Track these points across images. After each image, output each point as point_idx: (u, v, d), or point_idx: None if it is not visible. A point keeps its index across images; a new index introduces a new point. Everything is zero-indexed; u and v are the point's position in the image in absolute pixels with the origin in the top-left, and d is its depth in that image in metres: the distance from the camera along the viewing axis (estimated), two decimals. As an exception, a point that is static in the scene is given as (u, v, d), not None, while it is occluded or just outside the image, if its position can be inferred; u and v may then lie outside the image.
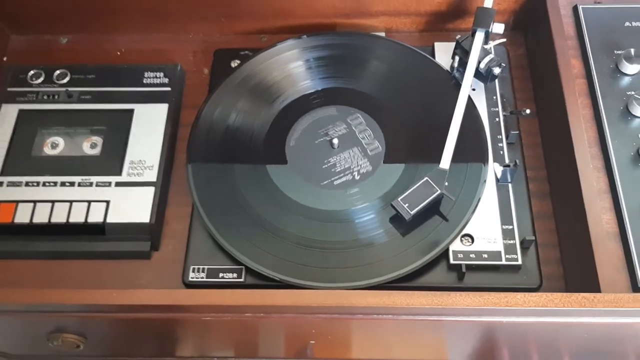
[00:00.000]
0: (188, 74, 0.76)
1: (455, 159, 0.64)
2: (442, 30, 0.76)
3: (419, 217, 0.61)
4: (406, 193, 0.61)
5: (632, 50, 0.66)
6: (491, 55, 0.67)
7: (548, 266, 0.62)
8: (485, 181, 0.63)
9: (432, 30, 0.76)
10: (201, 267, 0.61)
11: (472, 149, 0.65)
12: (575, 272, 0.60)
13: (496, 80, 0.70)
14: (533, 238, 0.61)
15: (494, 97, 0.69)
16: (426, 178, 0.61)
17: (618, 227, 0.59)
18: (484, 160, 0.64)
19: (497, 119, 0.68)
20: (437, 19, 0.75)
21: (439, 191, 0.60)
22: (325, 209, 0.63)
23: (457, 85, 0.67)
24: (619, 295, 0.51)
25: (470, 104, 0.68)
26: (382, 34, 0.78)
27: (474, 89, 0.70)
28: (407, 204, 0.60)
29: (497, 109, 0.69)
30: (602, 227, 0.58)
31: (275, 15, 0.77)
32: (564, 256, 0.63)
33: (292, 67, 0.72)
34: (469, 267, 0.61)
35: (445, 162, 0.62)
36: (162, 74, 0.72)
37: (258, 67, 0.71)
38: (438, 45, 0.73)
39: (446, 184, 0.62)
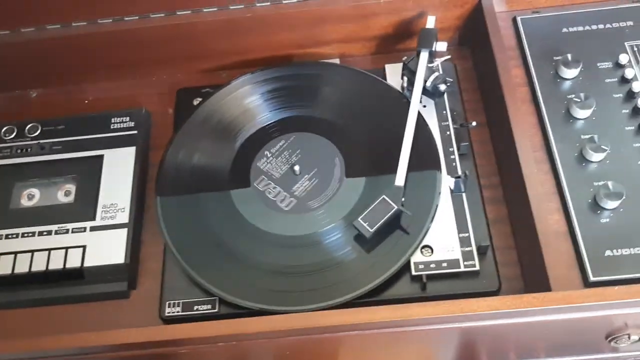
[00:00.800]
0: (154, 114, 0.80)
1: (410, 174, 0.67)
2: (392, 51, 0.80)
3: (381, 233, 0.64)
4: (365, 212, 0.64)
5: (569, 56, 0.69)
6: (437, 73, 0.71)
7: (507, 268, 0.65)
8: (439, 193, 0.66)
9: (383, 52, 0.80)
10: (176, 301, 0.64)
11: (425, 163, 0.69)
12: (531, 272, 0.63)
13: (445, 96, 0.74)
14: (488, 243, 0.64)
15: (444, 112, 0.73)
16: (383, 196, 0.65)
17: (567, 226, 0.62)
18: (437, 173, 0.68)
19: (448, 133, 0.71)
20: (387, 42, 0.79)
21: (395, 207, 0.64)
22: (292, 235, 0.66)
23: (409, 104, 0.70)
24: (567, 293, 0.54)
25: (421, 120, 0.71)
26: (337, 61, 0.82)
27: (424, 106, 0.73)
28: (367, 223, 0.63)
29: (447, 123, 0.72)
30: (550, 228, 0.61)
31: (234, 52, 0.81)
32: (521, 257, 0.66)
33: (248, 101, 0.75)
34: (431, 277, 0.64)
35: (400, 179, 0.65)
36: (128, 118, 0.76)
37: (218, 105, 0.75)
38: (389, 67, 0.76)
39: (403, 199, 0.65)
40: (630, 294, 0.53)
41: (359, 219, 0.64)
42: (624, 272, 0.58)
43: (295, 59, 0.82)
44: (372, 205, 0.64)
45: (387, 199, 0.64)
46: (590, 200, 0.62)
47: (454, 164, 0.69)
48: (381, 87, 0.74)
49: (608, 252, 0.59)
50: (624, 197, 0.61)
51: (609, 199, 0.61)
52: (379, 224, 0.63)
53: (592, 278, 0.58)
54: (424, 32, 0.72)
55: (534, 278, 0.62)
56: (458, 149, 0.70)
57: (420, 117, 0.71)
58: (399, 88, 0.73)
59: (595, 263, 0.59)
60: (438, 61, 0.73)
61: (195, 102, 0.76)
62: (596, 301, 0.53)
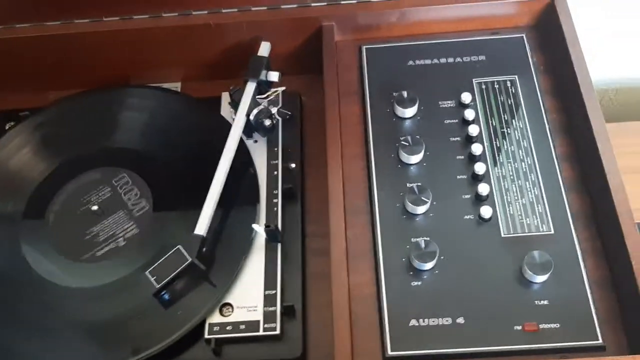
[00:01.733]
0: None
1: (221, 219, 0.61)
2: (236, 77, 0.71)
3: (179, 287, 0.58)
4: (157, 264, 0.57)
5: (405, 93, 0.62)
6: (261, 107, 0.64)
7: (316, 332, 0.58)
8: (251, 244, 0.60)
9: (226, 78, 0.71)
10: None
11: (240, 208, 0.62)
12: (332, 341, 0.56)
13: (279, 131, 0.67)
14: (291, 304, 0.57)
15: (275, 149, 0.66)
16: (178, 246, 0.58)
17: (376, 288, 0.55)
18: (252, 221, 0.60)
19: (275, 173, 0.64)
20: (229, 67, 0.71)
21: (189, 260, 0.57)
22: (81, 287, 0.59)
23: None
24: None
25: (245, 158, 0.64)
26: (178, 85, 0.75)
27: (255, 141, 0.66)
28: (155, 277, 0.56)
29: (277, 162, 0.65)
30: (357, 291, 0.54)
31: (67, 71, 0.73)
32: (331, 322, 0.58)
33: (39, 138, 0.68)
34: (229, 340, 0.57)
35: (201, 227, 0.58)
36: None
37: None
38: (225, 95, 0.69)
39: (204, 249, 0.58)
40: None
41: (147, 273, 0.57)
42: (426, 346, 0.51)
43: (132, 81, 0.75)
44: (166, 256, 0.57)
45: (182, 250, 0.57)
46: (404, 260, 0.55)
47: (275, 209, 0.63)
48: (205, 117, 0.67)
49: (413, 322, 0.52)
50: (437, 258, 0.54)
51: (420, 260, 0.54)
52: (168, 278, 0.56)
53: (389, 352, 0.51)
54: (253, 61, 0.65)
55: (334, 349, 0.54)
56: (282, 193, 0.63)
57: (245, 154, 0.65)
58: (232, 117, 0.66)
59: (396, 334, 0.52)
60: (271, 93, 0.66)
61: (7, 127, 0.70)
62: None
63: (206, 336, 0.56)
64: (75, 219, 0.63)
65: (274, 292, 0.58)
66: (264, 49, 0.66)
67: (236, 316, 0.57)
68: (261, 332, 0.56)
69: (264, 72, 0.64)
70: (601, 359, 0.49)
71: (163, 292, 0.56)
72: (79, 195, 0.64)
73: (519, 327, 0.51)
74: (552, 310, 0.52)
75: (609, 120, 1.02)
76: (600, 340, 0.50)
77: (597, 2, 0.82)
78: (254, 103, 0.64)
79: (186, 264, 0.56)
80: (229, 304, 0.58)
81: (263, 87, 0.66)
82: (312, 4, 0.66)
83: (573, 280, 0.53)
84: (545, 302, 0.52)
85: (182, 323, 0.56)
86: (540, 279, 0.53)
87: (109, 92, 0.71)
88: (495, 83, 0.63)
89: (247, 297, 0.58)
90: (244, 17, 0.66)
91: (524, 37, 0.66)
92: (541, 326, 0.51)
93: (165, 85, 0.75)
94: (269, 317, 0.57)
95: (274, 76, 0.65)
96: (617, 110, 1.01)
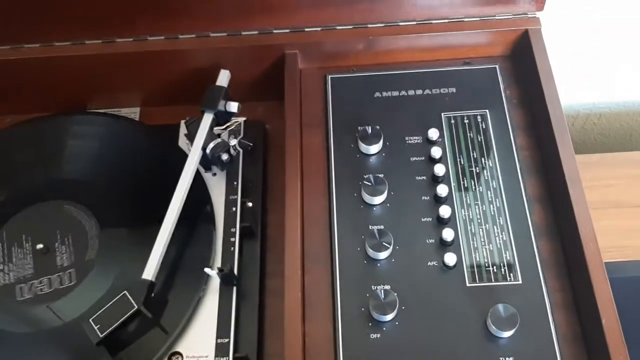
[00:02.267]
0: None
1: (173, 260, 0.57)
2: (196, 102, 0.67)
3: (125, 335, 0.54)
4: (100, 311, 0.53)
5: (369, 129, 0.59)
6: (218, 140, 0.60)
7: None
8: (204, 289, 0.56)
9: (187, 103, 0.66)
10: None
11: (194, 247, 0.58)
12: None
13: (240, 163, 0.64)
14: (244, 355, 0.53)
15: (235, 183, 0.63)
16: (124, 292, 0.54)
17: (333, 341, 0.52)
18: (206, 262, 0.57)
19: (234, 209, 0.61)
20: (190, 94, 0.68)
21: (135, 307, 0.53)
22: (17, 332, 0.55)
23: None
24: None
25: (201, 193, 0.61)
26: (137, 110, 0.71)
27: (214, 174, 0.63)
28: (98, 326, 0.53)
29: (236, 197, 0.62)
30: (313, 342, 0.51)
31: (23, 95, 0.70)
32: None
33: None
34: (178, 391, 0.54)
35: (149, 272, 0.55)
36: None
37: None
38: (184, 124, 0.66)
39: (153, 295, 0.55)
40: None
41: (90, 320, 0.53)
42: (383, 406, 0.48)
43: (89, 107, 0.72)
44: (110, 302, 0.54)
45: (128, 295, 0.54)
46: (363, 309, 0.52)
47: (232, 248, 0.60)
48: (160, 148, 0.64)
49: (370, 379, 0.50)
50: (398, 308, 0.51)
51: (379, 311, 0.50)
52: (114, 326, 0.53)
53: (343, 413, 0.49)
54: (210, 91, 0.61)
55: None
56: (241, 231, 0.60)
57: (201, 189, 0.61)
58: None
59: (352, 393, 0.49)
60: (233, 123, 0.63)
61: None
62: None
63: (153, 388, 0.53)
64: (19, 256, 0.59)
65: (227, 340, 0.54)
66: (223, 78, 0.62)
67: (185, 367, 0.54)
68: (211, 385, 0.53)
69: (222, 102, 0.61)
70: (568, 423, 0.47)
71: (106, 341, 0.53)
72: (21, 231, 0.60)
73: (483, 386, 0.49)
74: (517, 367, 0.49)
75: (593, 148, 1.01)
76: (568, 403, 0.48)
77: (581, 24, 0.80)
78: (211, 136, 0.60)
79: (132, 311, 0.53)
80: (179, 353, 0.54)
81: (222, 117, 0.62)
82: (275, 31, 0.63)
83: (541, 335, 0.50)
84: (511, 359, 0.49)
85: (129, 374, 0.53)
86: (506, 334, 0.49)
87: (58, 119, 0.67)
88: (465, 118, 0.60)
89: (198, 346, 0.54)
90: (202, 44, 0.63)
91: (497, 68, 0.63)
92: (506, 385, 0.49)
93: (124, 111, 0.71)
94: (219, 368, 0.54)
95: (233, 107, 0.61)
96: (600, 135, 0.99)
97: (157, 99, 0.70)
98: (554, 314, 0.51)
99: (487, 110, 0.61)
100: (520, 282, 0.52)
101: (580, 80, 0.86)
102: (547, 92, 0.58)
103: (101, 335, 0.52)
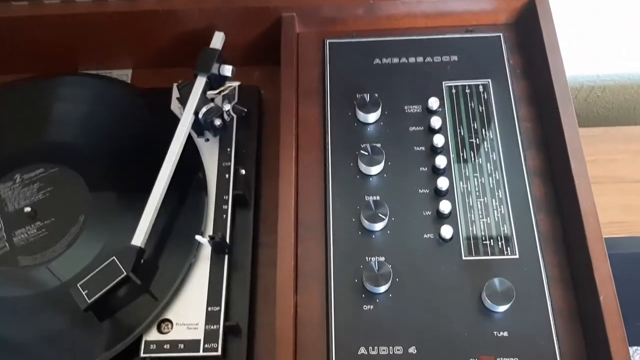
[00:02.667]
0: None
1: (164, 227, 0.56)
2: (190, 66, 0.65)
3: (114, 302, 0.53)
4: (89, 276, 0.52)
5: (367, 96, 0.57)
6: (211, 105, 0.58)
7: (266, 353, 0.54)
8: (195, 255, 0.55)
9: (179, 66, 0.64)
10: None
11: (186, 213, 0.57)
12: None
13: (234, 129, 0.62)
14: (235, 323, 0.52)
15: (228, 150, 0.61)
16: (113, 257, 0.53)
17: (325, 312, 0.51)
18: (198, 229, 0.56)
19: (227, 176, 0.60)
20: (182, 56, 0.64)
21: (124, 274, 0.52)
22: (5, 296, 0.54)
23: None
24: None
25: (193, 159, 0.60)
26: (128, 72, 0.69)
27: (207, 140, 0.61)
28: (86, 291, 0.52)
29: (229, 164, 0.60)
30: (305, 313, 0.50)
31: (13, 55, 0.68)
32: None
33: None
34: (167, 359, 0.53)
35: (139, 239, 0.53)
36: None
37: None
38: (176, 87, 0.64)
39: (142, 261, 0.54)
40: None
41: (78, 285, 0.52)
42: (374, 378, 0.48)
43: (81, 69, 0.69)
44: (99, 268, 0.52)
45: (117, 261, 0.53)
46: (356, 281, 0.51)
47: (224, 216, 0.58)
48: (151, 111, 0.62)
49: (362, 350, 0.48)
50: (392, 280, 0.50)
51: (372, 283, 0.50)
52: (102, 292, 0.51)
53: (334, 383, 0.48)
54: (203, 54, 0.59)
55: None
56: (233, 199, 0.59)
57: (194, 155, 0.60)
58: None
59: (343, 364, 0.49)
60: (227, 86, 0.61)
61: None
62: None
63: (142, 355, 0.52)
64: (6, 220, 0.58)
65: (217, 308, 0.53)
66: (217, 41, 0.60)
67: (175, 334, 0.52)
68: (201, 353, 0.52)
69: (216, 65, 0.59)
70: (560, 398, 0.46)
71: (94, 307, 0.52)
72: (10, 194, 0.59)
73: (475, 360, 0.48)
74: (511, 342, 0.48)
75: (596, 122, 0.99)
76: (561, 378, 0.47)
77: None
78: (204, 100, 0.59)
79: (121, 277, 0.52)
80: (168, 320, 0.53)
81: (216, 81, 0.60)
82: (272, -8, 0.61)
83: (536, 310, 0.49)
84: (505, 333, 0.48)
85: (117, 340, 0.52)
86: (501, 308, 0.49)
87: (47, 80, 0.65)
88: (467, 87, 0.58)
89: (188, 314, 0.53)
90: (197, 4, 0.60)
91: (501, 36, 0.61)
92: (498, 360, 0.48)
93: (115, 73, 0.69)
94: (210, 336, 0.52)
95: (227, 70, 0.59)
96: (604, 108, 0.97)
97: (149, 61, 0.68)
98: (550, 289, 0.50)
99: (489, 80, 0.59)
100: (517, 256, 0.51)
101: (586, 50, 0.84)
102: (552, 63, 0.56)
103: (89, 301, 0.51)
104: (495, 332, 0.48)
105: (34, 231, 0.57)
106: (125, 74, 0.69)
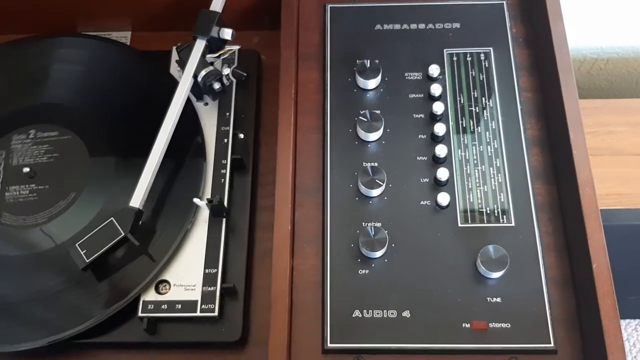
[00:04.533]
0: None
1: (162, 189, 0.56)
2: (189, 29, 0.64)
3: (112, 262, 0.54)
4: (87, 236, 0.53)
5: (368, 62, 0.57)
6: (210, 68, 0.58)
7: (262, 315, 0.54)
8: (193, 217, 0.56)
9: (179, 30, 0.64)
10: None
11: (184, 176, 0.57)
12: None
13: (233, 94, 0.62)
14: (232, 285, 0.53)
15: (227, 114, 0.61)
16: (111, 219, 0.53)
17: (321, 275, 0.52)
18: (196, 192, 0.56)
19: (226, 140, 0.60)
20: (182, 19, 0.63)
21: (122, 234, 0.53)
22: (5, 254, 0.55)
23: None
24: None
25: (192, 123, 0.59)
26: (127, 34, 0.69)
27: (206, 104, 0.61)
28: (85, 251, 0.53)
29: (227, 128, 0.60)
30: (302, 277, 0.51)
31: (10, 14, 0.67)
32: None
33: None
34: (165, 319, 0.54)
35: (137, 200, 0.54)
36: None
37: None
38: (175, 50, 0.63)
39: (141, 222, 0.54)
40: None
41: (77, 245, 0.53)
42: (367, 340, 0.48)
43: (79, 29, 0.68)
44: (97, 228, 0.53)
45: (115, 222, 0.53)
46: (352, 246, 0.51)
47: (222, 180, 0.58)
48: (150, 74, 0.62)
49: (356, 313, 0.49)
50: (387, 246, 0.50)
51: (368, 247, 0.50)
52: (100, 252, 0.52)
53: (328, 344, 0.48)
54: (202, 16, 0.58)
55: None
56: (232, 163, 0.59)
57: (192, 118, 0.60)
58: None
59: (337, 325, 0.49)
60: (227, 50, 0.60)
61: None
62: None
63: (139, 314, 0.53)
64: (7, 172, 0.58)
65: (214, 270, 0.54)
66: (217, 3, 0.59)
67: (173, 295, 0.53)
68: (198, 313, 0.53)
69: (215, 28, 0.58)
70: (551, 364, 0.47)
71: (92, 267, 0.53)
72: (19, 148, 0.59)
73: (468, 325, 0.48)
74: (504, 308, 0.49)
75: (597, 95, 0.99)
76: (552, 344, 0.47)
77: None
78: (203, 63, 0.58)
79: (119, 238, 0.52)
80: (166, 281, 0.54)
81: (215, 44, 0.60)
82: (273, -46, 0.60)
83: (530, 277, 0.50)
84: (498, 299, 0.49)
85: (115, 299, 0.52)
86: (495, 275, 0.49)
87: (44, 40, 0.65)
88: (468, 55, 0.58)
89: (186, 275, 0.54)
90: (197, -34, 0.60)
91: (504, 4, 0.60)
92: (491, 325, 0.48)
93: (114, 35, 0.69)
94: (207, 297, 0.53)
95: (227, 34, 0.59)
96: (606, 81, 0.97)
97: (148, 23, 0.67)
98: (544, 257, 0.50)
99: (491, 49, 0.59)
100: (513, 224, 0.51)
101: (590, 22, 0.83)
102: (555, 31, 0.55)
103: (87, 261, 0.52)
104: (488, 298, 0.49)
105: (26, 192, 0.57)
106: (124, 37, 0.69)
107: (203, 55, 0.59)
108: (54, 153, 0.59)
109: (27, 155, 0.59)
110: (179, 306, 0.53)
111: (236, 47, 0.61)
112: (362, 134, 0.55)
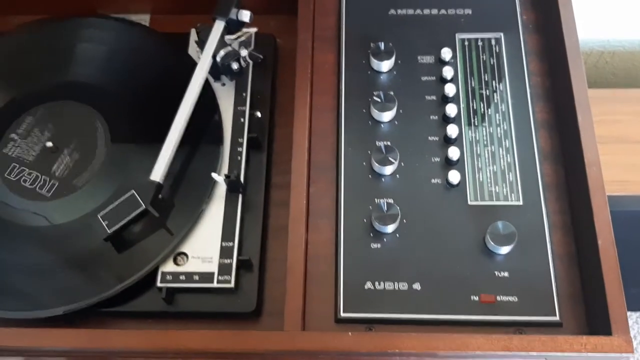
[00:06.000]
0: None
1: (181, 165, 0.58)
2: (208, 12, 0.65)
3: (132, 234, 0.56)
4: (109, 208, 0.55)
5: (382, 45, 0.59)
6: (229, 49, 0.60)
7: (276, 287, 0.56)
8: (210, 193, 0.57)
9: (197, 13, 0.65)
10: None
11: (201, 154, 0.59)
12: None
13: (249, 75, 0.63)
14: (248, 258, 0.55)
15: (244, 94, 0.63)
16: (132, 191, 0.55)
17: (335, 249, 0.54)
18: (213, 168, 0.58)
19: (242, 120, 0.61)
20: (200, 1, 0.67)
21: (143, 207, 0.55)
22: (30, 225, 0.57)
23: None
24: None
25: (210, 102, 0.61)
26: (147, 17, 0.70)
27: (223, 84, 0.62)
28: (107, 222, 0.54)
29: (244, 108, 0.62)
30: (315, 250, 0.53)
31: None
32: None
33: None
34: (182, 290, 0.55)
35: (157, 174, 0.55)
36: None
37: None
38: (193, 32, 0.65)
39: (160, 196, 0.56)
40: (360, 344, 0.46)
41: (99, 216, 0.54)
42: (379, 310, 0.50)
43: (99, 11, 0.70)
44: (118, 201, 0.55)
45: (136, 195, 0.55)
46: (365, 221, 0.53)
47: (239, 157, 0.60)
48: (170, 54, 0.63)
49: (369, 285, 0.51)
50: (399, 221, 0.52)
51: (381, 222, 0.52)
52: (121, 223, 0.54)
53: (341, 314, 0.50)
54: (224, -4, 0.61)
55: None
56: (248, 141, 0.60)
57: (210, 98, 0.61)
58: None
59: (350, 296, 0.50)
60: (243, 34, 0.62)
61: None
62: (314, 348, 0.45)
63: (158, 284, 0.54)
64: (29, 154, 0.60)
65: (231, 244, 0.56)
66: (236, -14, 0.61)
67: (190, 266, 0.55)
68: (215, 285, 0.54)
69: (234, 10, 0.60)
70: (556, 336, 0.48)
71: (115, 237, 0.55)
72: (32, 130, 0.61)
73: (476, 298, 0.50)
74: (511, 282, 0.51)
75: (603, 87, 1.00)
76: (557, 317, 0.49)
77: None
78: (222, 44, 0.60)
79: (139, 210, 0.54)
80: (184, 254, 0.56)
81: (234, 26, 0.62)
82: (291, -61, 0.61)
83: (537, 253, 0.51)
84: (506, 274, 0.51)
85: (134, 270, 0.54)
86: (503, 250, 0.51)
87: (67, 21, 0.66)
88: (479, 40, 0.60)
89: (203, 248, 0.56)
90: (216, -51, 0.62)
91: (516, -9, 0.63)
92: (498, 298, 0.50)
93: (134, 17, 0.70)
94: (224, 269, 0.55)
95: (245, 16, 0.61)
96: (612, 75, 0.98)
97: (167, 6, 0.69)
98: (551, 235, 0.52)
99: (501, 34, 0.60)
100: (521, 202, 0.53)
101: (596, 14, 0.85)
102: (564, 17, 0.57)
103: (109, 231, 0.54)
104: (496, 272, 0.51)
105: (68, 158, 0.59)
106: (143, 19, 0.70)
107: (222, 36, 0.61)
108: (65, 124, 0.61)
109: (43, 136, 0.61)
110: (197, 277, 0.55)
111: (254, 30, 0.62)
112: (375, 114, 0.57)
